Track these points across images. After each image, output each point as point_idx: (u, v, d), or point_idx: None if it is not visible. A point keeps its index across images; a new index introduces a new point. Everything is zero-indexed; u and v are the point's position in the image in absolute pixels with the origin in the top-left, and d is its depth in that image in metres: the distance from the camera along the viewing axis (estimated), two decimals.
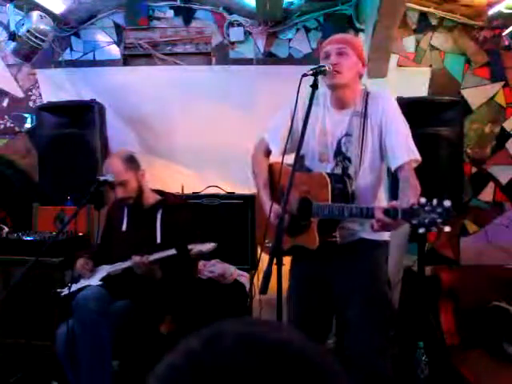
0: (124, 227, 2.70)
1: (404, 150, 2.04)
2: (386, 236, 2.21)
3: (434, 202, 1.60)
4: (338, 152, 2.14)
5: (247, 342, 0.53)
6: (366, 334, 2.09)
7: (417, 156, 2.06)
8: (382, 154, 2.11)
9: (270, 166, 2.35)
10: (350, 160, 2.13)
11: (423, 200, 1.63)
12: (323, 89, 2.13)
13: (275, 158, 2.32)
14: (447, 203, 1.58)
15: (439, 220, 1.59)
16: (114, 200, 3.00)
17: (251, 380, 0.49)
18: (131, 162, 2.61)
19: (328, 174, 2.07)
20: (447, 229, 1.60)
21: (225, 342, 0.53)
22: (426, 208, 1.61)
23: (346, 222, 2.09)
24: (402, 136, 2.06)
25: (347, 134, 2.13)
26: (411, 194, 1.89)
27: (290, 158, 1.99)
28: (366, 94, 2.14)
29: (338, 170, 2.14)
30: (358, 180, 2.11)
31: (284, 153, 1.97)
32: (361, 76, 2.18)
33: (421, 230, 1.63)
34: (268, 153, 2.35)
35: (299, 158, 1.95)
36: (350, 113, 2.13)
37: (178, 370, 0.52)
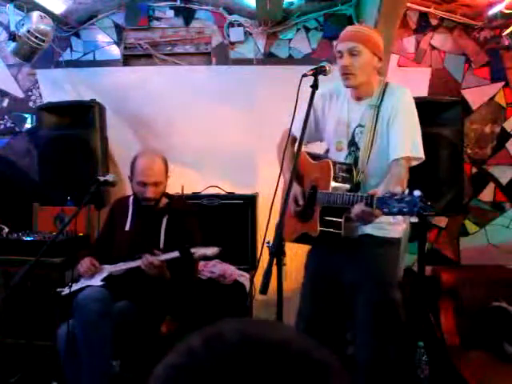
0: (128, 227, 2.69)
1: (404, 144, 2.02)
2: (395, 233, 2.15)
3: (406, 191, 1.64)
4: (352, 142, 2.18)
5: (248, 342, 0.53)
6: (367, 343, 2.08)
7: (418, 154, 2.04)
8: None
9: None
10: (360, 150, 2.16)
11: (397, 190, 1.67)
12: None
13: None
14: (417, 193, 1.61)
15: (405, 209, 1.63)
16: (117, 198, 2.99)
17: (252, 380, 0.49)
18: (167, 166, 2.67)
19: (334, 162, 2.09)
20: (413, 219, 1.63)
21: (225, 341, 0.53)
22: (396, 197, 1.65)
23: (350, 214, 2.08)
24: (405, 131, 2.05)
25: (360, 125, 2.16)
26: (392, 187, 1.88)
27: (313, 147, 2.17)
28: (385, 85, 2.15)
29: (351, 159, 2.17)
30: (366, 170, 2.11)
31: (302, 138, 1.97)
32: (377, 69, 2.16)
33: (392, 220, 1.68)
34: (293, 140, 2.30)
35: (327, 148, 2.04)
36: (366, 104, 2.16)
37: (178, 369, 0.52)
